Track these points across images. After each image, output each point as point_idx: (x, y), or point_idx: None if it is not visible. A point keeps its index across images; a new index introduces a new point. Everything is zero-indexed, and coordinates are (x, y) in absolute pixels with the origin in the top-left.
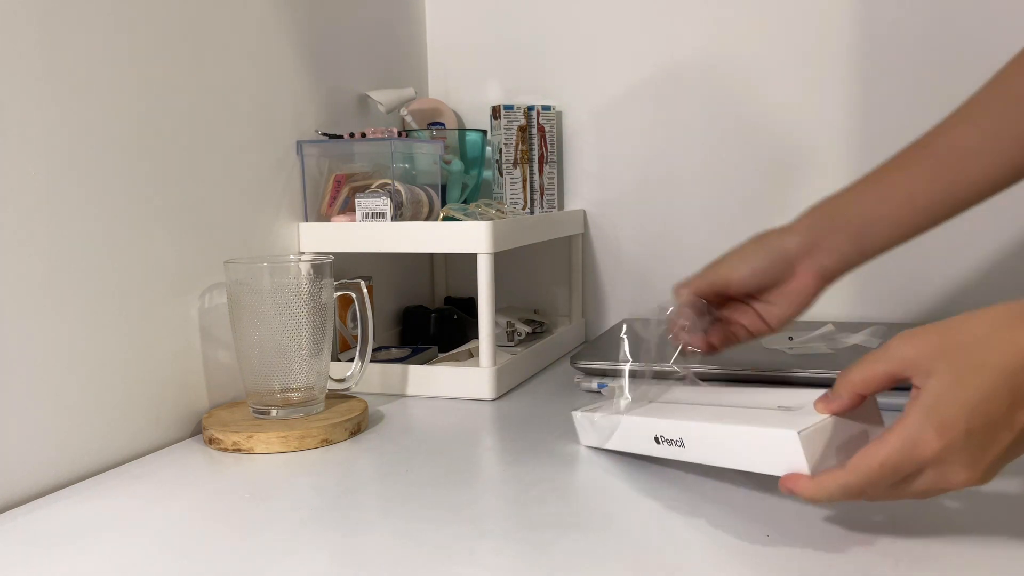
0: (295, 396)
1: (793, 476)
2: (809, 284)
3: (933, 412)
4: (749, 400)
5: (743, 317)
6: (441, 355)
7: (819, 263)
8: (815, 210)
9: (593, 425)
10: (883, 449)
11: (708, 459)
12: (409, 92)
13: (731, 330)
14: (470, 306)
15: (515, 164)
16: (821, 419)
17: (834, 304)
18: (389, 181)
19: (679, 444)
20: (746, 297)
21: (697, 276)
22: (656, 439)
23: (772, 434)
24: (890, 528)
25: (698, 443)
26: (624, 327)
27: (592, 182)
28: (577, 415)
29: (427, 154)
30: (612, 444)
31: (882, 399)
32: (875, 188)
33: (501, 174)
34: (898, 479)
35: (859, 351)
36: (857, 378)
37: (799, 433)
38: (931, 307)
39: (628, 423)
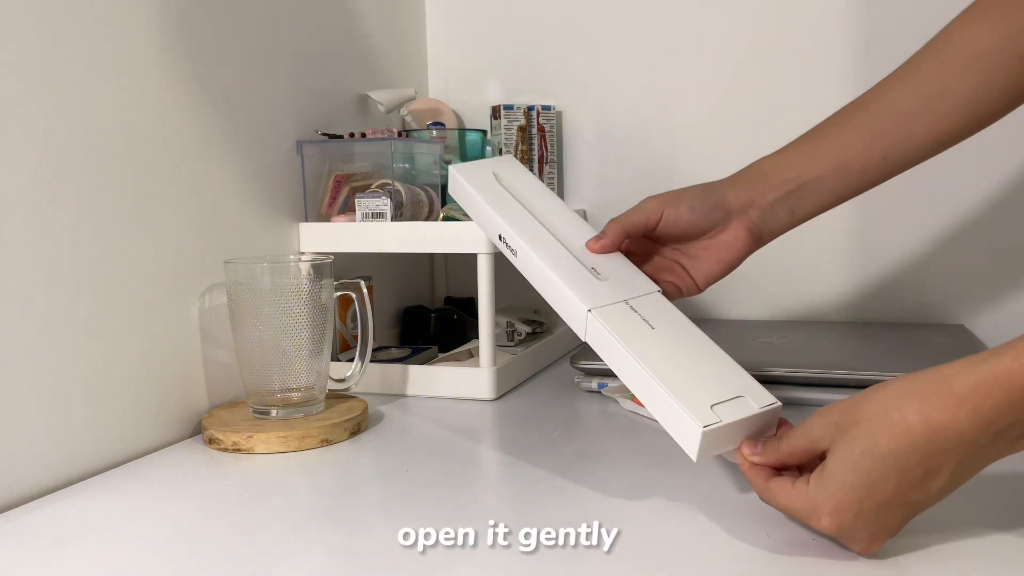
0: (295, 396)
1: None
2: (740, 238)
3: (829, 492)
4: (571, 234)
5: (668, 274)
6: (441, 355)
7: (752, 220)
8: (753, 168)
9: (466, 185)
10: (788, 501)
11: (533, 281)
12: (409, 92)
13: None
14: (470, 306)
15: None
16: (724, 420)
17: (833, 304)
18: (389, 181)
19: (513, 253)
20: (675, 246)
21: (629, 211)
22: (500, 237)
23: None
24: None
25: (527, 265)
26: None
27: (592, 182)
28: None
29: (427, 154)
30: (472, 214)
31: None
32: (811, 150)
33: None
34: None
35: None
36: (785, 450)
37: (704, 430)
38: (930, 307)
39: (486, 211)
